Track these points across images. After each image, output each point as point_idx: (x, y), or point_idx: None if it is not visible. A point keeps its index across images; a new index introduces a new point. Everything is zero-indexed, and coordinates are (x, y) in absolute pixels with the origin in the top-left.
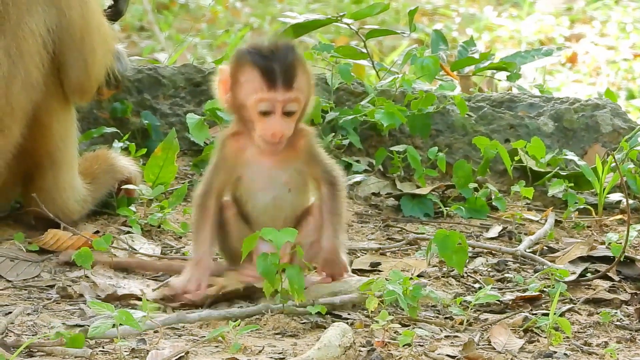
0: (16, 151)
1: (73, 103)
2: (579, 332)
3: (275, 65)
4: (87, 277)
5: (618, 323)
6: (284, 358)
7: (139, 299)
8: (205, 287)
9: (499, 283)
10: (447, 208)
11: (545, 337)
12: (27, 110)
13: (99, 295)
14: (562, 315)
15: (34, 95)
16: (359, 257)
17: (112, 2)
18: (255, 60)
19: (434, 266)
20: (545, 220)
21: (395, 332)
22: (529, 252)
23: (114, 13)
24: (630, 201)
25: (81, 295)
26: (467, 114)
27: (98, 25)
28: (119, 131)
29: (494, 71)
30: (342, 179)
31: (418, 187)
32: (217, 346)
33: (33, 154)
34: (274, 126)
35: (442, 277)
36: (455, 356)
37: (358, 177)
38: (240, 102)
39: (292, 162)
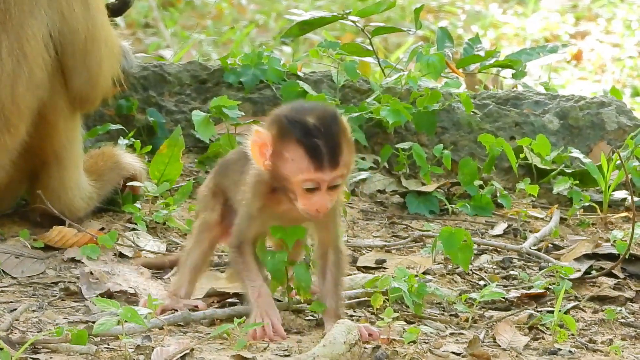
0: (22, 149)
1: (78, 111)
2: (583, 330)
3: (321, 144)
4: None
5: (623, 320)
6: (289, 355)
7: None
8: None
9: (504, 280)
10: (453, 205)
11: (550, 335)
12: (32, 109)
13: (94, 288)
14: (567, 312)
15: (39, 95)
16: (364, 254)
17: None
18: (300, 137)
19: (439, 263)
20: (551, 218)
21: (400, 329)
22: (534, 249)
23: (122, 4)
24: (636, 199)
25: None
26: (473, 112)
27: (105, 38)
28: (124, 128)
29: (500, 69)
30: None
31: (423, 184)
32: (222, 343)
33: (39, 152)
34: (319, 203)
35: (448, 274)
36: (460, 353)
37: (363, 174)
38: (282, 175)
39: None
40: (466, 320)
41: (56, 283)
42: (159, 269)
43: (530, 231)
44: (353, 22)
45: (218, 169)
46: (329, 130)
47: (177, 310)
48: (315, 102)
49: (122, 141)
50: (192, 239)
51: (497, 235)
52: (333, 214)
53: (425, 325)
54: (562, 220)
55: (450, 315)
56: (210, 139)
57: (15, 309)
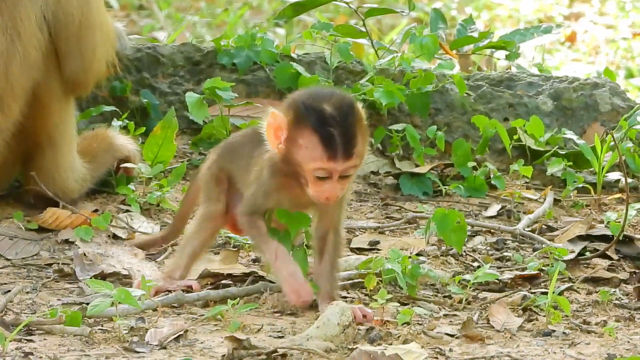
0: (16, 130)
1: (70, 95)
2: (577, 311)
3: (336, 133)
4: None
5: (617, 302)
6: (283, 336)
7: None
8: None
9: (498, 262)
10: (446, 187)
11: (544, 316)
12: (26, 90)
13: (88, 270)
14: (560, 294)
15: (33, 75)
16: (357, 235)
17: None
18: (315, 125)
19: (432, 245)
20: (544, 199)
21: (394, 311)
22: (528, 231)
23: None
24: (629, 180)
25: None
26: (466, 93)
27: (100, 24)
28: (118, 110)
29: (493, 50)
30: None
31: (417, 165)
32: (216, 325)
33: (32, 134)
34: (330, 191)
35: (441, 255)
36: (454, 335)
37: None
38: (295, 160)
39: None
40: (460, 302)
41: (50, 265)
42: (150, 247)
43: (524, 212)
44: (346, 3)
45: (222, 153)
46: (345, 120)
47: (170, 292)
48: (333, 89)
49: (116, 123)
50: (194, 226)
51: (491, 217)
52: (341, 200)
53: (419, 306)
54: (556, 201)
55: (444, 296)
56: (203, 121)
57: (9, 291)
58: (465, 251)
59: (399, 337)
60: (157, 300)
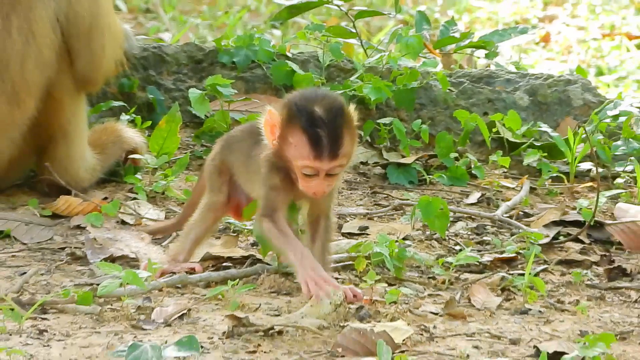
0: (31, 124)
1: (82, 91)
2: (552, 291)
3: (323, 134)
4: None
5: (588, 282)
6: (279, 314)
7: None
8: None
9: (478, 245)
10: (430, 176)
11: (521, 296)
12: (41, 86)
13: (98, 253)
14: (536, 275)
15: (47, 73)
16: (348, 221)
17: None
18: (305, 126)
19: (417, 230)
20: (521, 188)
21: (382, 291)
22: (506, 216)
23: None
24: (600, 169)
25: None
26: (449, 89)
27: (109, 25)
28: (126, 105)
29: (474, 49)
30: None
31: (403, 156)
32: (217, 304)
33: (46, 127)
34: (316, 187)
35: (426, 240)
36: (438, 313)
37: None
38: (286, 156)
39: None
40: (443, 283)
41: (63, 248)
42: (163, 234)
43: (502, 200)
44: (337, 6)
45: (224, 145)
46: (333, 122)
47: (175, 274)
48: (327, 92)
49: (124, 117)
50: (198, 214)
51: (472, 204)
52: (331, 191)
53: (405, 287)
54: (532, 189)
55: (429, 277)
56: (205, 115)
57: (25, 273)
58: (448, 236)
59: (386, 315)
60: (162, 281)
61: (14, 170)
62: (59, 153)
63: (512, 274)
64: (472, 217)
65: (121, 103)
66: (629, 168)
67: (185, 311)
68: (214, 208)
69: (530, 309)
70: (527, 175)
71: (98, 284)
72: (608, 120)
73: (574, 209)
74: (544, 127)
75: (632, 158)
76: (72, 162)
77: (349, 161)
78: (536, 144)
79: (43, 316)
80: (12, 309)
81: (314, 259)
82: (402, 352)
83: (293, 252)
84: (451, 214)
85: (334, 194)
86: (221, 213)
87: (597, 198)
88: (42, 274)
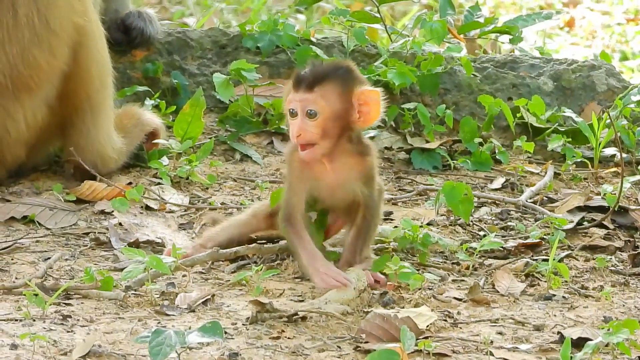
0: (57, 93)
1: None
2: (576, 277)
3: (308, 70)
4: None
5: (612, 268)
6: (303, 300)
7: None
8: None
9: (502, 231)
10: (454, 161)
11: (545, 281)
12: (71, 35)
13: (123, 238)
14: (560, 260)
15: (74, 19)
16: None
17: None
18: (297, 72)
19: (442, 215)
20: (545, 173)
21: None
22: (530, 202)
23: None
24: (624, 155)
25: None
26: (473, 74)
27: None
28: (150, 90)
29: (498, 34)
30: (379, 206)
31: (427, 141)
32: (241, 289)
33: (73, 98)
34: (294, 126)
35: (450, 225)
36: (462, 299)
37: (372, 132)
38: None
39: (352, 182)
40: (467, 268)
41: (87, 234)
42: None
43: (527, 185)
44: None
45: None
46: (325, 66)
47: None
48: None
49: (148, 102)
50: (244, 215)
51: (496, 189)
52: (369, 170)
53: (429, 272)
54: (556, 175)
55: (453, 263)
56: (229, 100)
57: (49, 258)
58: (472, 221)
59: (410, 301)
60: (195, 257)
61: (39, 147)
62: (86, 125)
63: (536, 260)
64: (496, 202)
65: (145, 88)
66: None
67: (209, 297)
68: (257, 216)
69: (554, 295)
70: (551, 161)
71: (122, 269)
72: (632, 105)
73: (598, 194)
74: (568, 112)
75: None
76: (99, 137)
77: (329, 107)
78: (560, 129)
79: (67, 302)
80: (36, 295)
81: (325, 259)
82: (426, 337)
83: (305, 254)
84: (475, 199)
85: (371, 183)
86: (264, 224)
87: (621, 183)
88: (66, 260)
